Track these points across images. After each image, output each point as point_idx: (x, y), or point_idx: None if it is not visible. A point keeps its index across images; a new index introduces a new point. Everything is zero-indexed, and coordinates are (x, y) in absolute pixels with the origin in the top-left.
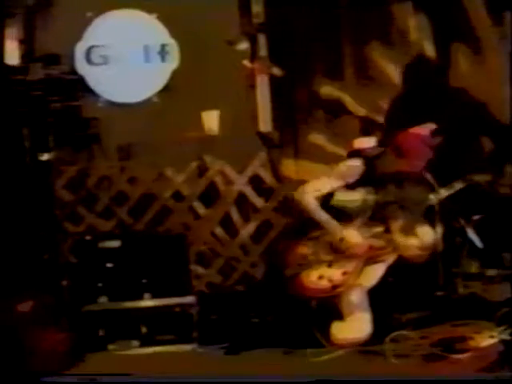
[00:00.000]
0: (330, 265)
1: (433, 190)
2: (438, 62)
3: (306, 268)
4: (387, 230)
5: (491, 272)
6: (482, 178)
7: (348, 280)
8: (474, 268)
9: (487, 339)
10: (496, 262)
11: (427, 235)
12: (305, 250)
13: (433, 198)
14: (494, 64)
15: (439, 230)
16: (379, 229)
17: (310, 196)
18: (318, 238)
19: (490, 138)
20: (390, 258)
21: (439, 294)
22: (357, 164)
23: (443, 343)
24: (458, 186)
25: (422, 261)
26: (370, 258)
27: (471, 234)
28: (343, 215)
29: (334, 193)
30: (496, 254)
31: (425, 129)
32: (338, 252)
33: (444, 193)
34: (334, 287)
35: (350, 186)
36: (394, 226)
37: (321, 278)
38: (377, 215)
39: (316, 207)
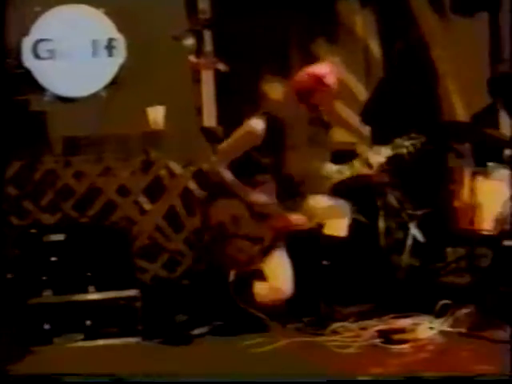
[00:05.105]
0: (247, 237)
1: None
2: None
3: (224, 239)
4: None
5: (433, 266)
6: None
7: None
8: (416, 262)
9: (426, 331)
10: (439, 256)
11: (343, 210)
12: (224, 218)
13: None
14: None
15: (382, 224)
16: (297, 202)
17: (219, 164)
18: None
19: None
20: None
21: (382, 287)
22: (261, 123)
23: (383, 335)
24: (386, 152)
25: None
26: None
27: (414, 229)
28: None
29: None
30: (439, 248)
31: (321, 67)
32: (256, 222)
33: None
34: (252, 259)
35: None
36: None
37: (240, 250)
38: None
39: (225, 173)
